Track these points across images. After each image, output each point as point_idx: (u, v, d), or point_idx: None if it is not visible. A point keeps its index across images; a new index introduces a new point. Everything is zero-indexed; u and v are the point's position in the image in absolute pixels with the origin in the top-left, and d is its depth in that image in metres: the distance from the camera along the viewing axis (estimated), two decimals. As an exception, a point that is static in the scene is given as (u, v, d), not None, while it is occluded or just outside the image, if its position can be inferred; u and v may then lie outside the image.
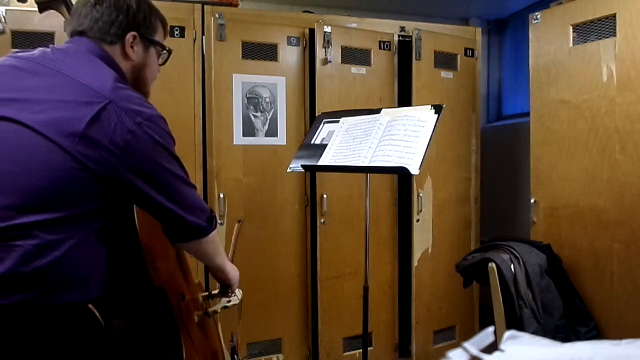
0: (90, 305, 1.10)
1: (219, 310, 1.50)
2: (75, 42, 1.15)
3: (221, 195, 2.48)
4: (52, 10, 1.41)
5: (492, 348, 0.73)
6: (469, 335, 0.77)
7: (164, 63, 1.32)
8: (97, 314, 1.12)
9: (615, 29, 2.07)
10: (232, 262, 1.49)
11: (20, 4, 1.61)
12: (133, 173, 1.05)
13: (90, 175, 1.00)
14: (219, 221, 2.48)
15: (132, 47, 1.19)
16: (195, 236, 1.20)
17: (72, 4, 1.40)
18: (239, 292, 1.56)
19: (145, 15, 1.21)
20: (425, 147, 1.68)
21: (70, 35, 1.18)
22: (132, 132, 1.02)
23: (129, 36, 1.18)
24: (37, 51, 1.12)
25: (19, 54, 1.12)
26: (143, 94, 1.25)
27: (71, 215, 1.01)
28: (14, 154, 0.99)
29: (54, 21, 2.12)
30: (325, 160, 1.93)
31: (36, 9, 1.39)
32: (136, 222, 1.16)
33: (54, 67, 1.06)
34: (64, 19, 1.41)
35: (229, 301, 1.52)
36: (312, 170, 2.33)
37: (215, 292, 1.52)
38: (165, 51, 1.30)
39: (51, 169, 0.98)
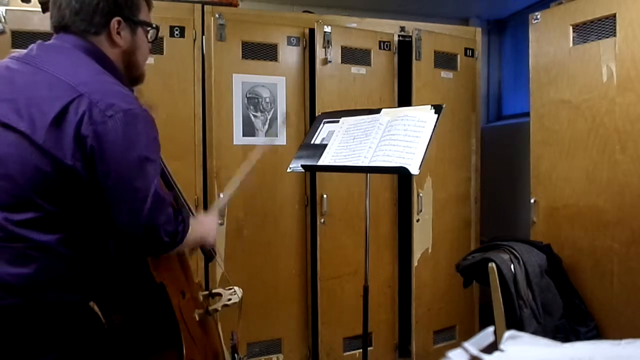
0: (90, 303, 1.10)
1: (220, 309, 1.50)
2: (60, 39, 1.13)
3: (221, 195, 2.48)
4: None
5: (492, 348, 0.73)
6: (469, 335, 0.77)
7: (153, 41, 1.26)
8: (97, 311, 1.12)
9: (615, 29, 2.07)
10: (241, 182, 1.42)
11: (23, 4, 1.61)
12: (98, 168, 1.00)
13: (64, 169, 0.99)
14: (219, 221, 2.48)
15: (118, 33, 1.15)
16: (154, 250, 1.14)
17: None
18: (239, 291, 1.56)
19: None
20: (425, 147, 1.68)
21: (54, 30, 1.15)
22: (100, 123, 0.99)
23: (114, 22, 1.13)
24: (26, 49, 1.12)
25: (13, 55, 1.12)
26: (137, 77, 1.23)
27: (60, 212, 1.01)
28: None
29: (54, 21, 2.12)
30: (325, 160, 1.93)
31: (37, 9, 1.40)
32: None
33: (35, 64, 1.06)
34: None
35: (230, 299, 1.53)
36: (312, 170, 2.33)
37: (215, 291, 1.53)
38: (152, 28, 1.24)
39: (30, 168, 0.98)
